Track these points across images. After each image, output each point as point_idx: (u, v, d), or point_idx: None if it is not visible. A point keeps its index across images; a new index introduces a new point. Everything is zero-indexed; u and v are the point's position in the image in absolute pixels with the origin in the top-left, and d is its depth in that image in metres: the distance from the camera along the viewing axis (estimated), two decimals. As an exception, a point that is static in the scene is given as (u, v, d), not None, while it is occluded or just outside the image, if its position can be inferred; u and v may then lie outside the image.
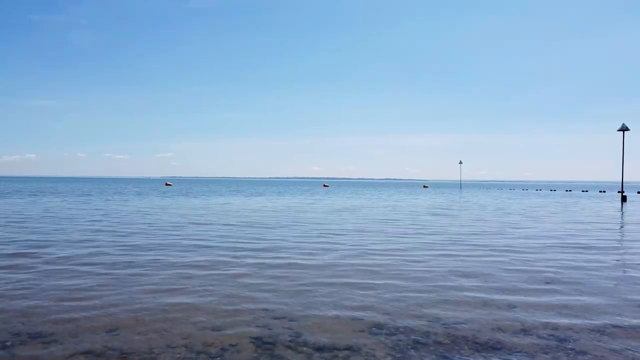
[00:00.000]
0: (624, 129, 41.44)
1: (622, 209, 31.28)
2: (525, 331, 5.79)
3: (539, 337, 5.59)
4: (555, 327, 5.95)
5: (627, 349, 5.21)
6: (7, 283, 8.18)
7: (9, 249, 11.92)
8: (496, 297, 7.51)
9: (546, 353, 5.10)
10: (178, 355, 4.95)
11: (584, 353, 5.10)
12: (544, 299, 7.39)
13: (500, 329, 5.86)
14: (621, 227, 19.76)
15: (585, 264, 10.42)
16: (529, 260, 10.86)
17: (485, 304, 7.09)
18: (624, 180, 42.77)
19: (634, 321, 6.22)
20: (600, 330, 5.83)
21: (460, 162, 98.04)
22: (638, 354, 5.05)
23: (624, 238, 15.95)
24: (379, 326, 5.95)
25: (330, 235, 15.43)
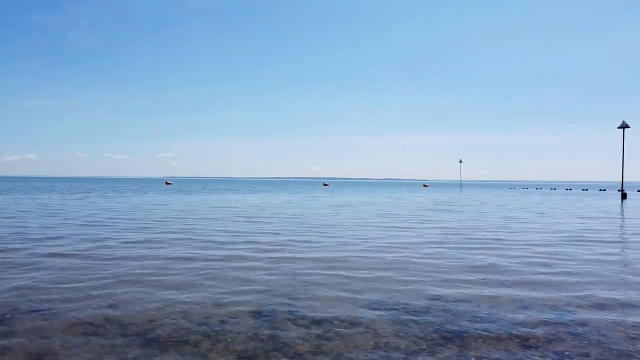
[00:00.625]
0: (624, 126, 41.42)
1: (622, 206, 31.25)
2: (525, 308, 5.79)
3: (537, 311, 5.59)
4: (554, 307, 5.94)
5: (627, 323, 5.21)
6: (8, 273, 8.20)
7: (11, 244, 11.95)
8: (498, 285, 7.52)
9: (546, 325, 5.10)
10: (177, 326, 4.95)
11: (584, 324, 5.10)
12: (545, 284, 7.40)
13: (500, 306, 5.86)
14: (622, 221, 19.73)
15: (586, 255, 10.44)
16: (529, 252, 10.87)
17: (486, 287, 7.09)
18: (624, 179, 42.73)
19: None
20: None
21: (461, 161, 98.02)
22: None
23: (627, 231, 15.93)
24: (380, 304, 5.94)
25: (327, 228, 15.43)
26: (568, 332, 4.86)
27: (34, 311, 5.47)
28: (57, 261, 8.72)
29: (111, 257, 9.26)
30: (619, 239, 13.03)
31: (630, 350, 4.37)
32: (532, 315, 5.47)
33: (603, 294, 6.52)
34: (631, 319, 5.35)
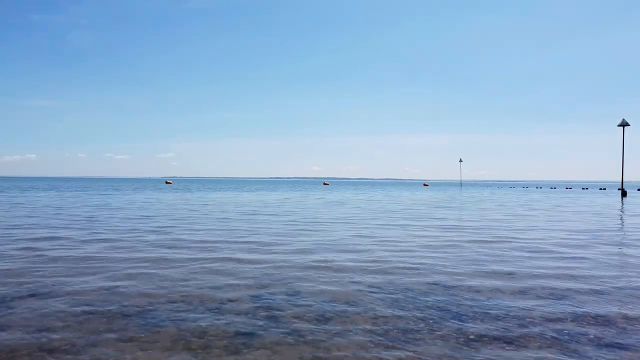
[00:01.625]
0: (624, 124, 41.44)
1: (622, 203, 31.27)
2: (523, 292, 5.81)
3: (538, 291, 5.61)
4: (553, 289, 5.97)
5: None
6: (11, 263, 8.22)
7: (21, 235, 11.96)
8: (496, 267, 7.55)
9: (543, 307, 5.12)
10: (176, 307, 4.97)
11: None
12: (542, 269, 7.42)
13: (500, 290, 5.87)
14: (622, 216, 19.76)
15: (579, 246, 10.46)
16: (526, 245, 10.90)
17: (485, 273, 7.12)
18: (624, 179, 42.68)
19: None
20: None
21: (461, 160, 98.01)
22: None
23: (628, 226, 15.96)
24: (378, 288, 5.96)
25: (323, 222, 15.45)
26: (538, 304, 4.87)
27: (33, 295, 5.49)
28: (53, 252, 8.74)
29: (109, 247, 9.28)
30: (615, 231, 13.05)
31: None
32: (530, 299, 5.49)
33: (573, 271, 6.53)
34: None
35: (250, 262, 7.72)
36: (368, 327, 4.38)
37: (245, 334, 4.16)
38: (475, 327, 4.38)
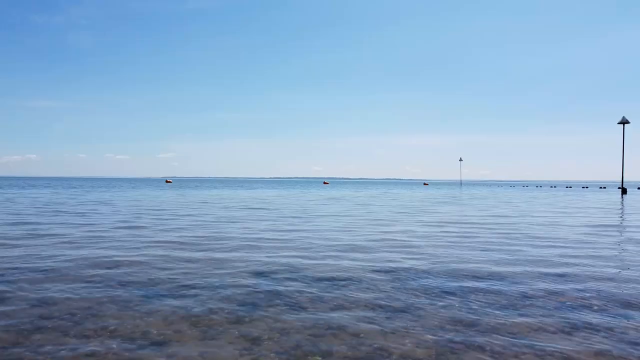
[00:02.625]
0: (624, 122, 41.41)
1: (622, 200, 31.26)
2: (523, 272, 5.80)
3: (534, 272, 5.60)
4: (547, 275, 5.96)
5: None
6: (13, 253, 8.21)
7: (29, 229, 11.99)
8: (492, 254, 7.53)
9: (540, 279, 5.11)
10: (177, 282, 4.96)
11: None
12: (542, 251, 7.41)
13: (498, 265, 5.87)
14: (622, 212, 19.77)
15: (576, 238, 10.45)
16: (524, 231, 10.89)
17: (485, 259, 7.11)
18: (624, 178, 42.58)
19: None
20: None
21: (460, 160, 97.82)
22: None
23: (627, 220, 15.97)
24: (379, 267, 5.95)
25: (320, 217, 15.47)
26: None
27: (34, 270, 5.48)
28: (53, 240, 8.75)
29: (107, 238, 9.29)
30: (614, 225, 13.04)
31: None
32: (528, 273, 5.49)
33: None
34: None
35: (249, 255, 7.72)
36: (371, 299, 4.37)
37: (247, 305, 4.15)
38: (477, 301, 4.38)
